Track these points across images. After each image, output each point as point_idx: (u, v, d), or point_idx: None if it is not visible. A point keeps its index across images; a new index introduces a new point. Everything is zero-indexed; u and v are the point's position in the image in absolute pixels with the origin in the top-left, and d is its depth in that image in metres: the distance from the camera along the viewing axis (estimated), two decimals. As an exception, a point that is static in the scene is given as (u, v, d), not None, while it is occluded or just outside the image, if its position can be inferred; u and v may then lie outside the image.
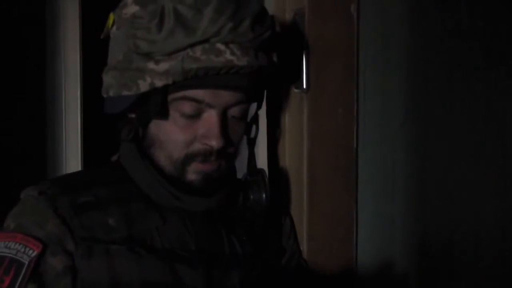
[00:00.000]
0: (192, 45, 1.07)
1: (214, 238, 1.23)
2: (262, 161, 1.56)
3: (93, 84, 1.73)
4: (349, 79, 1.49)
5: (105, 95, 1.21)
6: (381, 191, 1.49)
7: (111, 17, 1.20)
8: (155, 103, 1.12)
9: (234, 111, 1.16)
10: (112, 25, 1.19)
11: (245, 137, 1.27)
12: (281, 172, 1.53)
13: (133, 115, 1.20)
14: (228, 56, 1.08)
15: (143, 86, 1.11)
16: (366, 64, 1.49)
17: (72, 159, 1.81)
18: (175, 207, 1.20)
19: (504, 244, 1.28)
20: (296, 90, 1.48)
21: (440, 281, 1.41)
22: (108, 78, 1.19)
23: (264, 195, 1.29)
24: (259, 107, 1.31)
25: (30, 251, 1.08)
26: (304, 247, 1.45)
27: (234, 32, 1.08)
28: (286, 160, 1.52)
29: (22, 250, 1.09)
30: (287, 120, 1.52)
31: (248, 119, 1.25)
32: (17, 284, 1.06)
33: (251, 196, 1.29)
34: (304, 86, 1.45)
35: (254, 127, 1.30)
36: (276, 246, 1.36)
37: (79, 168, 1.80)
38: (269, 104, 1.54)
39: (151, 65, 1.09)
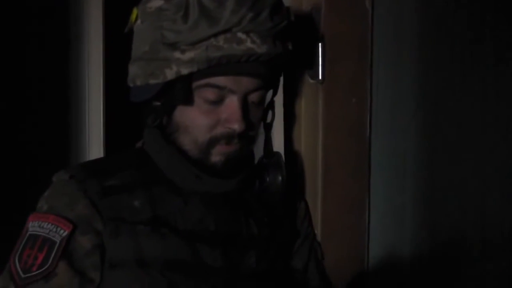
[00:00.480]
0: (215, 35, 1.13)
1: (232, 220, 1.27)
2: (279, 149, 1.60)
3: (114, 75, 1.80)
4: (363, 71, 1.54)
5: (131, 85, 1.26)
6: (392, 179, 1.54)
7: (134, 12, 1.25)
8: (181, 90, 1.18)
9: (253, 97, 1.22)
10: (136, 20, 1.25)
11: (261, 123, 1.32)
12: (297, 159, 1.58)
13: (157, 103, 1.25)
14: (248, 44, 1.14)
15: (170, 74, 1.16)
16: (379, 57, 1.55)
17: (94, 147, 1.86)
18: (196, 190, 1.26)
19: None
20: (311, 81, 1.54)
21: (448, 267, 1.46)
22: (134, 68, 1.24)
23: (280, 177, 1.34)
24: (274, 93, 1.36)
25: (61, 231, 1.15)
26: (318, 230, 1.50)
27: (254, 21, 1.14)
28: (302, 147, 1.58)
29: (54, 229, 1.15)
30: (303, 110, 1.57)
31: (265, 106, 1.31)
32: (50, 260, 1.12)
33: (267, 178, 1.35)
34: (320, 77, 1.51)
35: (270, 112, 1.35)
36: (290, 229, 1.41)
37: (101, 155, 1.84)
38: (286, 94, 1.59)
39: (177, 54, 1.15)
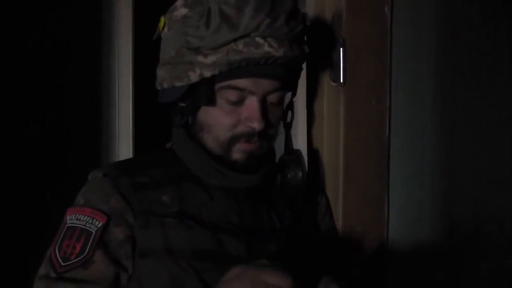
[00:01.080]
0: (235, 40, 1.21)
1: (255, 213, 1.34)
2: (302, 148, 1.67)
3: (143, 80, 1.89)
4: (382, 74, 1.61)
5: (159, 88, 1.36)
6: (411, 175, 1.59)
7: (162, 20, 1.35)
8: (205, 92, 1.27)
9: (272, 98, 1.30)
10: (163, 28, 1.34)
11: (281, 122, 1.39)
12: (319, 157, 1.65)
13: (183, 104, 1.33)
14: (266, 48, 1.22)
15: (194, 77, 1.25)
16: (398, 60, 1.61)
17: (123, 148, 1.93)
18: (221, 186, 1.34)
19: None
20: (333, 84, 1.61)
21: (465, 257, 1.50)
22: (162, 72, 1.34)
23: (300, 172, 1.41)
24: (293, 95, 1.44)
25: (97, 222, 1.24)
26: (339, 225, 1.57)
27: (271, 27, 1.22)
28: (324, 146, 1.65)
29: (90, 221, 1.24)
30: (325, 111, 1.65)
31: (284, 106, 1.38)
32: (87, 249, 1.21)
33: (288, 174, 1.42)
34: (341, 80, 1.58)
35: (289, 112, 1.43)
36: (311, 222, 1.48)
37: (131, 155, 1.92)
38: (309, 96, 1.67)
39: (200, 58, 1.24)
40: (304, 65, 1.45)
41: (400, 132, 1.60)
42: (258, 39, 1.22)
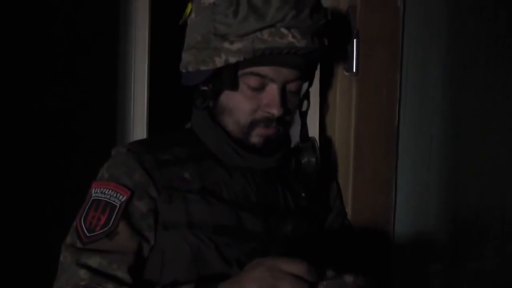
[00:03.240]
0: (261, 29, 1.28)
1: (271, 192, 1.42)
2: (314, 135, 1.73)
3: (158, 65, 1.94)
4: (393, 65, 1.66)
5: (183, 70, 1.42)
6: (418, 162, 1.65)
7: (189, 7, 1.41)
8: (228, 77, 1.33)
9: (291, 86, 1.36)
10: (190, 14, 1.41)
11: (297, 110, 1.46)
12: (331, 143, 1.71)
13: (205, 88, 1.41)
14: (290, 38, 1.29)
15: (219, 62, 1.32)
16: (409, 51, 1.66)
17: (138, 132, 1.99)
18: (239, 165, 1.41)
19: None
20: (346, 73, 1.67)
21: (469, 241, 1.57)
22: (187, 56, 1.40)
23: (314, 159, 1.48)
24: (310, 85, 1.51)
25: (121, 196, 1.30)
26: (348, 209, 1.63)
27: (296, 19, 1.29)
28: (336, 133, 1.71)
29: (114, 195, 1.31)
30: (338, 99, 1.70)
31: (301, 95, 1.45)
32: (111, 221, 1.28)
33: (303, 160, 1.49)
34: (354, 70, 1.63)
35: (305, 101, 1.50)
36: (324, 204, 1.54)
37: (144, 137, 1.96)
38: (322, 85, 1.73)
39: (226, 44, 1.31)
40: (319, 57, 1.52)
41: (409, 121, 1.66)
42: (283, 30, 1.29)
